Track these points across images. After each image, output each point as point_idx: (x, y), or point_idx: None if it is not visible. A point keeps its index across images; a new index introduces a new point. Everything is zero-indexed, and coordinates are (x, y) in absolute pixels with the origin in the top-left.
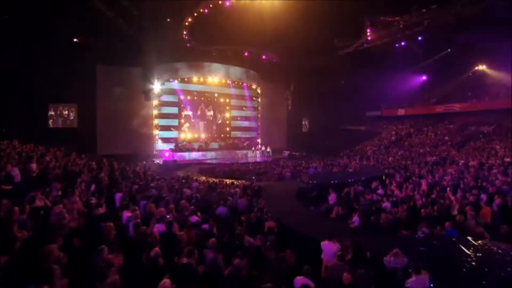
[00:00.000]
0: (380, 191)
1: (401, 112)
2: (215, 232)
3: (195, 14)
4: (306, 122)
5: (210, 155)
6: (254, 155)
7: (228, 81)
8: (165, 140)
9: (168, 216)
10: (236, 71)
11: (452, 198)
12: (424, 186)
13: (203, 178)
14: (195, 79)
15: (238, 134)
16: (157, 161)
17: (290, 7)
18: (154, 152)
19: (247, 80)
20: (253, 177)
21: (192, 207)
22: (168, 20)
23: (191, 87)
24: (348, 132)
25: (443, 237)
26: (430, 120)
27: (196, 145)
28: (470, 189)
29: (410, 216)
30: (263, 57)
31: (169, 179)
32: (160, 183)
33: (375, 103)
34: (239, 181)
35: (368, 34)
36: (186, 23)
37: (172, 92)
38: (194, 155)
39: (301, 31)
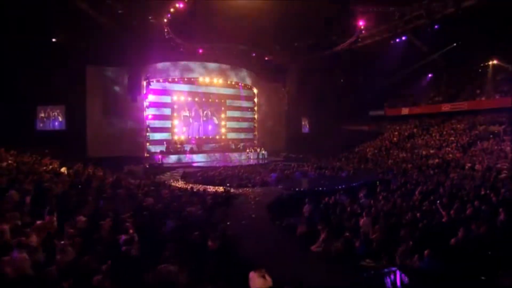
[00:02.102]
0: (364, 201)
1: (405, 111)
2: (136, 256)
3: (172, 10)
4: (306, 123)
5: (201, 157)
6: (248, 158)
7: (223, 81)
8: (157, 142)
9: (62, 242)
10: (231, 70)
11: (443, 213)
12: (417, 195)
13: (181, 183)
14: (188, 79)
15: (234, 135)
16: (146, 164)
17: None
18: (145, 155)
19: (243, 80)
20: (227, 184)
21: (127, 223)
22: (150, 18)
23: (185, 87)
24: (350, 133)
25: (416, 272)
26: (436, 119)
27: (187, 147)
28: (471, 199)
29: (388, 237)
30: (253, 54)
31: (142, 185)
32: (122, 192)
33: (378, 102)
34: (217, 187)
35: (362, 28)
36: (165, 20)
37: (165, 93)
38: (184, 157)
39: (297, 27)
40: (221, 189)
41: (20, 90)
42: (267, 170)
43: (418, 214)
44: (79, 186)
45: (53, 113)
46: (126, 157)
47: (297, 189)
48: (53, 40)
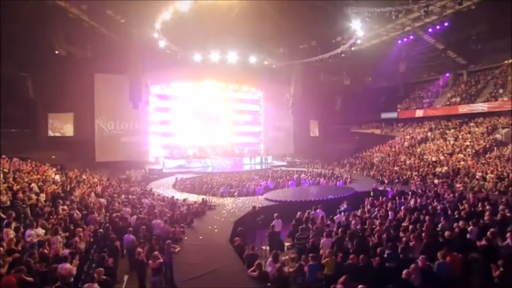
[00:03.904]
0: (339, 216)
1: (419, 113)
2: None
3: (160, 19)
4: (315, 126)
5: (203, 162)
6: (251, 163)
7: (227, 85)
8: (161, 147)
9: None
10: (236, 74)
11: (411, 237)
12: (403, 211)
13: (170, 191)
14: (193, 83)
15: (239, 140)
16: (146, 169)
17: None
18: (149, 159)
19: (248, 84)
20: (212, 193)
21: (75, 238)
22: (144, 26)
23: (190, 92)
24: (360, 136)
25: None
26: (452, 122)
27: (191, 152)
28: (464, 217)
29: (340, 264)
30: (257, 57)
31: (129, 193)
32: (101, 202)
33: (391, 104)
34: (201, 196)
35: (360, 27)
36: (155, 29)
37: (169, 98)
38: (187, 162)
39: (300, 29)
40: (201, 199)
41: (32, 98)
42: (261, 178)
43: (385, 235)
44: (57, 196)
45: (62, 120)
46: (131, 162)
47: (279, 200)
48: (56, 52)
